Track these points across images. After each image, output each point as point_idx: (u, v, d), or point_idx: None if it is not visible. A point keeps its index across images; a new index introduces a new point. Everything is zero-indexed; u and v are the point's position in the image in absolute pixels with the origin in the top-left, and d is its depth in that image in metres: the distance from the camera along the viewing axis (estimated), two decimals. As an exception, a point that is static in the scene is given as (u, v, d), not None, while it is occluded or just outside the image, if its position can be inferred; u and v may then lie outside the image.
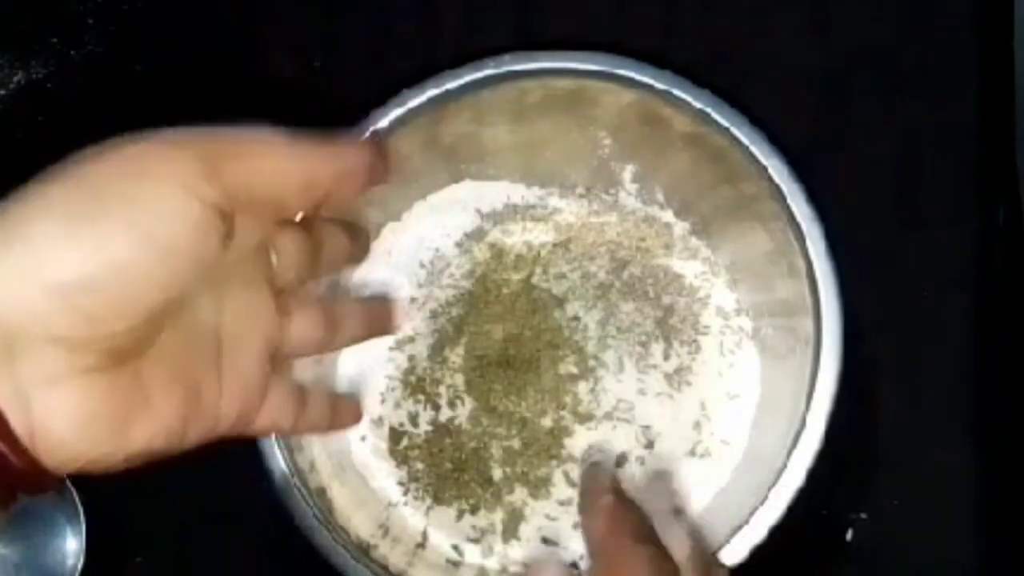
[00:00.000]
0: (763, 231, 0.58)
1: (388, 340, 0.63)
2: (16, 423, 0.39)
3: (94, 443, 0.41)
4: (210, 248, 0.41)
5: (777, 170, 0.55)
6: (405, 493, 0.61)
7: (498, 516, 0.60)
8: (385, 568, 0.55)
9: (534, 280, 0.62)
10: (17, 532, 0.66)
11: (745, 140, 0.56)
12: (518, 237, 0.63)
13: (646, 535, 0.50)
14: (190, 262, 0.40)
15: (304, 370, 0.60)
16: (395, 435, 0.62)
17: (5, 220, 0.39)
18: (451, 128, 0.60)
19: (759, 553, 0.53)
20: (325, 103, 0.68)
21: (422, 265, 0.63)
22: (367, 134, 0.58)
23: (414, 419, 0.62)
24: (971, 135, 0.63)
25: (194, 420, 0.45)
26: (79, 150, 0.70)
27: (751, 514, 0.53)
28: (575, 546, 0.59)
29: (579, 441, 0.60)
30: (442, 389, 0.62)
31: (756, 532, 0.53)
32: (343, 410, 0.56)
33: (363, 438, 0.62)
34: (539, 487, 0.60)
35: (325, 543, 0.55)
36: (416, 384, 0.62)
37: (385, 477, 0.61)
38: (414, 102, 0.58)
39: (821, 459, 0.53)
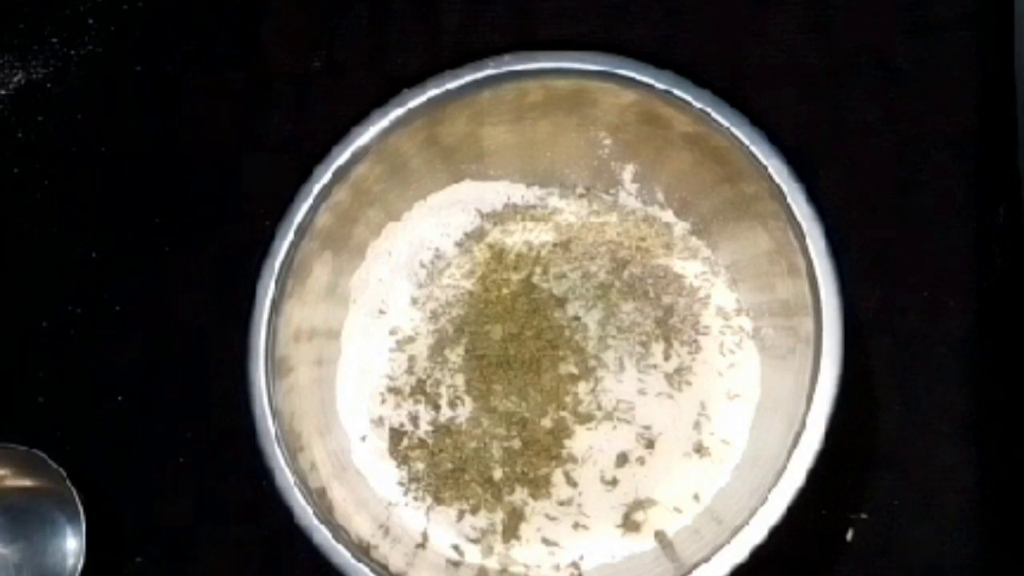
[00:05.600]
0: (763, 231, 0.58)
1: (388, 340, 0.63)
2: None
3: None
4: None
5: (777, 170, 0.55)
6: (405, 493, 0.61)
7: (498, 516, 0.60)
8: (385, 568, 0.55)
9: (534, 280, 0.62)
10: (17, 532, 0.66)
11: (745, 140, 0.56)
12: (518, 237, 0.63)
13: None
14: None
15: (306, 372, 0.60)
16: (395, 435, 0.62)
17: None
18: (451, 128, 0.60)
19: (759, 553, 0.53)
20: (325, 103, 0.68)
21: (422, 265, 0.63)
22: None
23: (414, 419, 0.62)
24: (971, 135, 0.63)
25: None
26: (79, 150, 0.71)
27: (751, 514, 0.53)
28: (575, 546, 0.59)
29: (579, 441, 0.60)
30: (442, 389, 0.62)
31: (756, 532, 0.53)
32: None
33: (363, 438, 0.62)
34: (539, 487, 0.60)
35: (325, 543, 0.55)
36: (416, 384, 0.62)
37: (385, 477, 0.61)
38: (414, 102, 0.58)
39: (821, 459, 0.53)
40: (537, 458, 0.60)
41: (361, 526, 0.58)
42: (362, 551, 0.56)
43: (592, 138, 0.62)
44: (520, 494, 0.60)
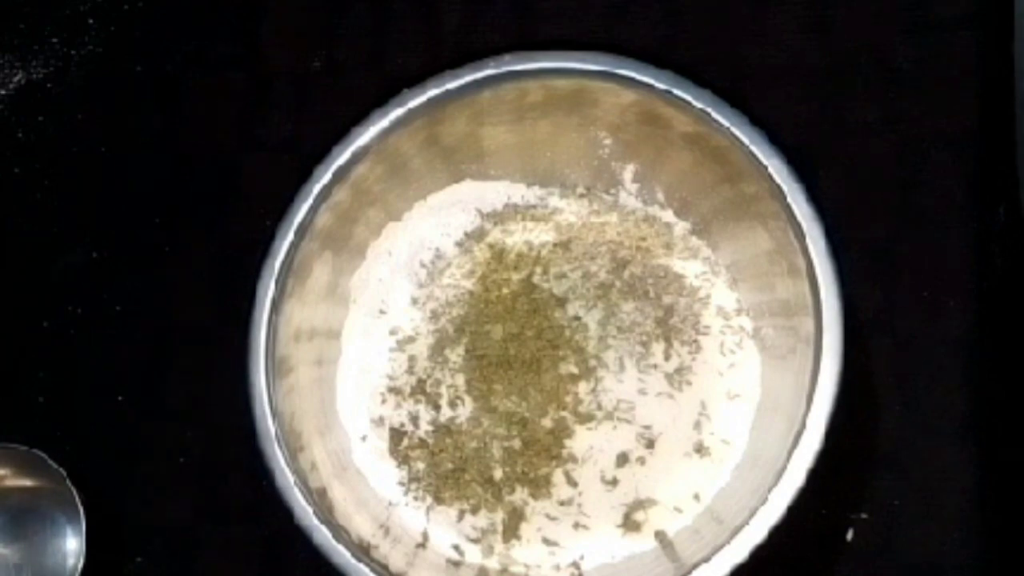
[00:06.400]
0: (763, 230, 0.58)
1: (389, 340, 0.63)
2: None
3: None
4: None
5: (777, 169, 0.55)
6: (406, 493, 0.61)
7: (498, 516, 0.60)
8: (385, 568, 0.55)
9: (534, 280, 0.62)
10: (17, 532, 0.66)
11: (745, 140, 0.56)
12: (518, 237, 0.63)
13: None
14: None
15: (306, 371, 0.60)
16: (396, 435, 0.62)
17: None
18: (451, 128, 0.60)
19: (759, 553, 0.53)
20: (325, 103, 0.68)
21: (422, 265, 0.63)
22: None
23: (415, 419, 0.62)
24: (971, 135, 0.63)
25: None
26: (79, 150, 0.71)
27: (751, 514, 0.53)
28: (575, 546, 0.59)
29: (579, 441, 0.60)
30: (443, 389, 0.62)
31: (756, 532, 0.53)
32: None
33: (364, 438, 0.62)
34: (539, 487, 0.60)
35: (325, 543, 0.55)
36: (417, 384, 0.62)
37: (386, 477, 0.61)
38: (414, 102, 0.58)
39: (821, 459, 0.53)
40: (537, 458, 0.60)
41: (361, 526, 0.58)
42: (362, 551, 0.56)
43: (592, 138, 0.62)
44: (520, 494, 0.60)
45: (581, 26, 0.67)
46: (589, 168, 0.63)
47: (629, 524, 0.59)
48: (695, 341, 0.61)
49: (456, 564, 0.59)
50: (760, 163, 0.56)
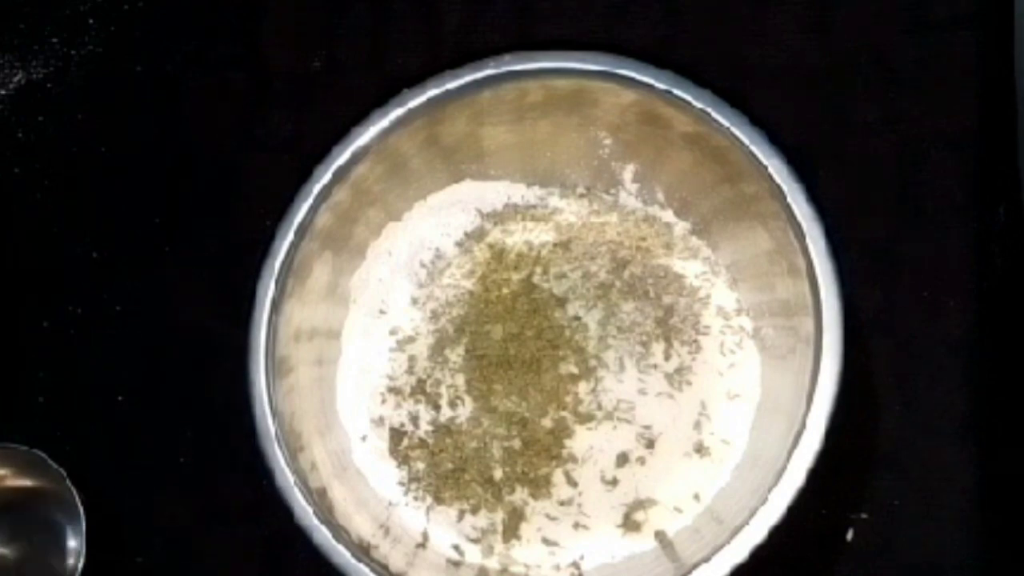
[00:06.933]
0: (763, 230, 0.58)
1: (389, 340, 0.63)
2: None
3: None
4: None
5: (777, 169, 0.55)
6: (406, 493, 0.61)
7: (498, 516, 0.60)
8: (385, 568, 0.55)
9: (534, 280, 0.62)
10: (17, 532, 0.66)
11: (745, 140, 0.56)
12: (518, 237, 0.63)
13: None
14: None
15: (306, 371, 0.60)
16: (396, 435, 0.62)
17: None
18: (451, 128, 0.60)
19: (759, 553, 0.53)
20: (325, 103, 0.68)
21: (422, 265, 0.63)
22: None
23: (415, 419, 0.62)
24: (971, 135, 0.63)
25: None
26: (79, 150, 0.71)
27: (751, 514, 0.53)
28: (575, 546, 0.59)
29: (579, 441, 0.60)
30: (443, 389, 0.62)
31: (756, 532, 0.53)
32: None
33: (364, 438, 0.62)
34: (539, 487, 0.60)
35: (325, 543, 0.55)
36: (417, 384, 0.62)
37: (386, 477, 0.61)
38: (414, 102, 0.58)
39: (821, 459, 0.53)
40: (537, 458, 0.60)
41: (361, 526, 0.58)
42: (362, 551, 0.56)
43: (592, 138, 0.62)
44: (520, 494, 0.60)
45: (581, 26, 0.67)
46: (589, 168, 0.63)
47: (629, 524, 0.59)
48: (695, 341, 0.61)
49: (456, 564, 0.59)
50: (760, 163, 0.56)
